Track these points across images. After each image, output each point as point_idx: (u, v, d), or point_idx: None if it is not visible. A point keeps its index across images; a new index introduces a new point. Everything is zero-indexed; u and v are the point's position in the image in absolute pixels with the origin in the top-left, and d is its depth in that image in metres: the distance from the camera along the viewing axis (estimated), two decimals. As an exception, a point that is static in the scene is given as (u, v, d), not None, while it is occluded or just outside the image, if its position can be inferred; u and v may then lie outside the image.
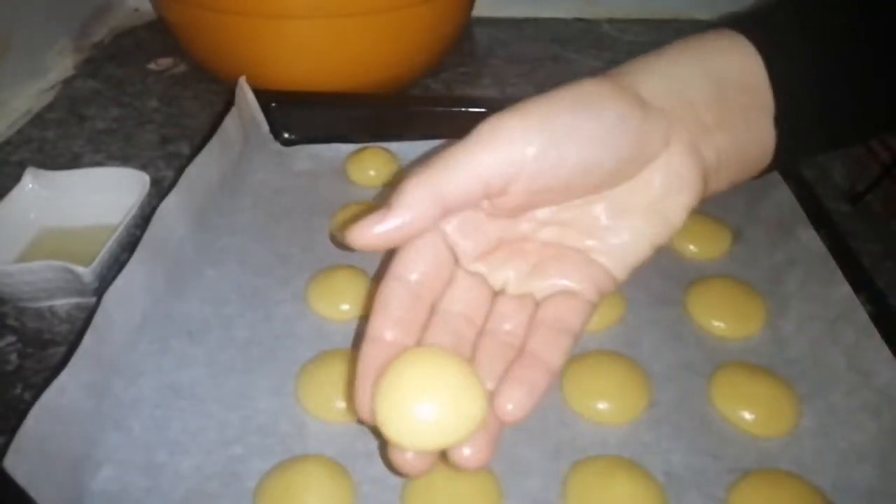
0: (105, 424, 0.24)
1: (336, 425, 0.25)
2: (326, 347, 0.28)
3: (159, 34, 0.52)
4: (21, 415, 0.21)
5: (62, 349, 0.29)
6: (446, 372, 0.18)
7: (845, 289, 0.27)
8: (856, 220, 0.35)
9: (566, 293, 0.19)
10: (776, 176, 0.33)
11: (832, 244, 0.30)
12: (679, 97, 0.18)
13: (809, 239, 0.30)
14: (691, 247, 0.33)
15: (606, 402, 0.26)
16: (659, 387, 0.27)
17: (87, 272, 0.28)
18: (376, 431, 0.18)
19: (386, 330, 0.19)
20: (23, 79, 0.45)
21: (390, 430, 0.17)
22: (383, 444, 0.18)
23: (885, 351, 0.25)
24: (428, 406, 0.17)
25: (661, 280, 0.32)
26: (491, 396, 0.18)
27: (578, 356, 0.28)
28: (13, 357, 0.28)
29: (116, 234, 0.30)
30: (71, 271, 0.28)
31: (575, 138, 0.17)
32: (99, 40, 0.52)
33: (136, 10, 0.56)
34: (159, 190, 0.35)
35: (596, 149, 0.18)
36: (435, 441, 0.17)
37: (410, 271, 0.19)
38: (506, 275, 0.20)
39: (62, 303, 0.31)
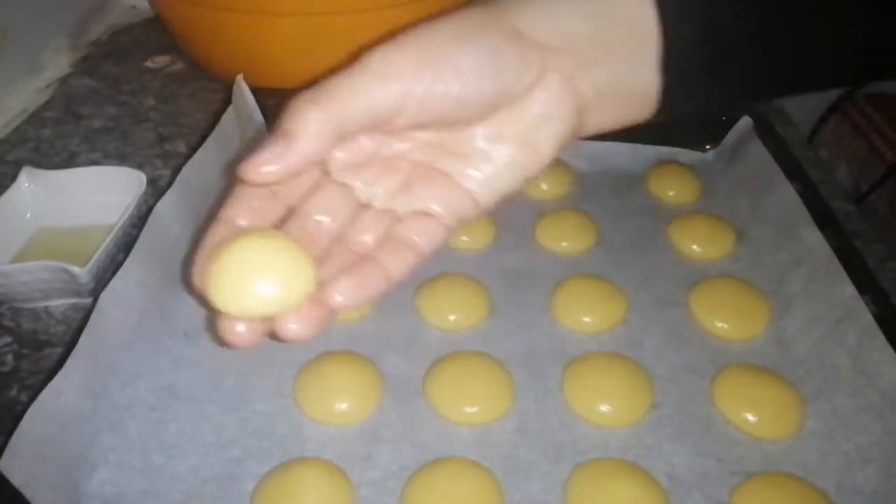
0: (101, 426, 0.24)
1: (334, 428, 0.25)
2: (325, 349, 0.27)
3: (156, 32, 0.52)
4: (17, 416, 0.21)
5: (58, 350, 0.28)
6: (276, 247, 0.18)
7: (849, 289, 0.27)
8: (860, 220, 0.35)
9: (426, 214, 0.20)
10: (780, 176, 0.33)
11: (836, 244, 0.29)
12: (557, 31, 0.18)
13: (813, 239, 0.30)
14: (695, 247, 0.33)
15: (608, 404, 0.25)
16: (662, 389, 0.27)
17: (83, 272, 0.28)
18: (210, 306, 0.18)
19: (238, 218, 0.19)
20: (19, 77, 0.44)
21: (219, 300, 0.18)
22: (214, 317, 0.18)
23: (890, 352, 0.25)
24: (255, 276, 0.17)
25: (663, 281, 0.31)
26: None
27: (580, 357, 0.28)
28: (9, 358, 0.28)
29: (113, 233, 0.29)
30: (67, 272, 0.28)
31: (457, 73, 0.18)
32: (95, 38, 0.52)
33: (133, 7, 0.55)
34: (156, 189, 0.35)
35: (475, 82, 0.18)
36: (260, 307, 0.17)
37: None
38: (374, 190, 0.20)
39: (58, 303, 0.30)
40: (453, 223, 0.20)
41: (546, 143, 0.19)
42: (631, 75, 0.19)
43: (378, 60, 0.18)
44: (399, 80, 0.17)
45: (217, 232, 0.19)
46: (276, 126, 0.18)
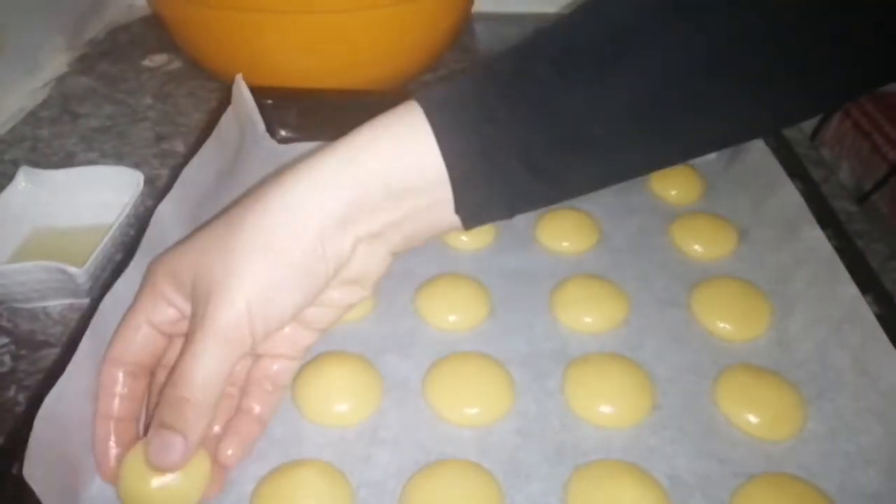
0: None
1: (333, 429, 0.25)
2: (323, 350, 0.27)
3: (154, 30, 0.52)
4: (16, 417, 0.21)
5: (55, 350, 0.28)
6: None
7: (852, 289, 0.27)
8: (863, 220, 0.35)
9: (275, 355, 0.24)
10: (782, 175, 0.33)
11: (839, 244, 0.29)
12: (360, 209, 0.21)
13: (815, 239, 0.30)
14: (696, 247, 0.33)
15: (610, 405, 0.25)
16: (663, 389, 0.26)
17: (80, 273, 0.28)
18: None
19: (112, 409, 0.22)
20: (16, 76, 0.44)
21: None
22: None
23: (892, 353, 0.25)
24: (162, 485, 0.21)
25: (665, 281, 0.31)
26: (216, 441, 0.23)
27: (581, 358, 0.27)
28: (6, 359, 0.28)
29: (110, 233, 0.29)
30: (64, 272, 0.28)
31: (285, 304, 0.21)
32: (93, 37, 0.52)
33: (131, 5, 0.55)
34: (153, 189, 0.35)
35: (301, 300, 0.21)
36: None
37: (127, 358, 0.22)
38: None
39: (55, 304, 0.30)
40: (300, 354, 0.24)
41: (368, 281, 0.23)
42: (433, 221, 0.21)
43: (218, 330, 0.20)
44: (239, 342, 0.20)
45: (102, 429, 0.22)
46: (158, 420, 0.21)
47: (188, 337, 0.21)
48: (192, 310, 0.21)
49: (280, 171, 0.21)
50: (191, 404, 0.20)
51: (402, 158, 0.20)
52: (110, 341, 0.23)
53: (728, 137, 0.23)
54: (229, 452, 0.23)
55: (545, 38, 0.20)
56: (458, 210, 0.21)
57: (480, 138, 0.20)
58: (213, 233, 0.21)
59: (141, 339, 0.22)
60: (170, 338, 0.23)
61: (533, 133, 0.20)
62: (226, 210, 0.22)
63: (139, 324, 0.22)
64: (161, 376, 0.24)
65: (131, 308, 0.23)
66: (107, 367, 0.22)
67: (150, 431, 0.21)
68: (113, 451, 0.22)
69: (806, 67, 0.19)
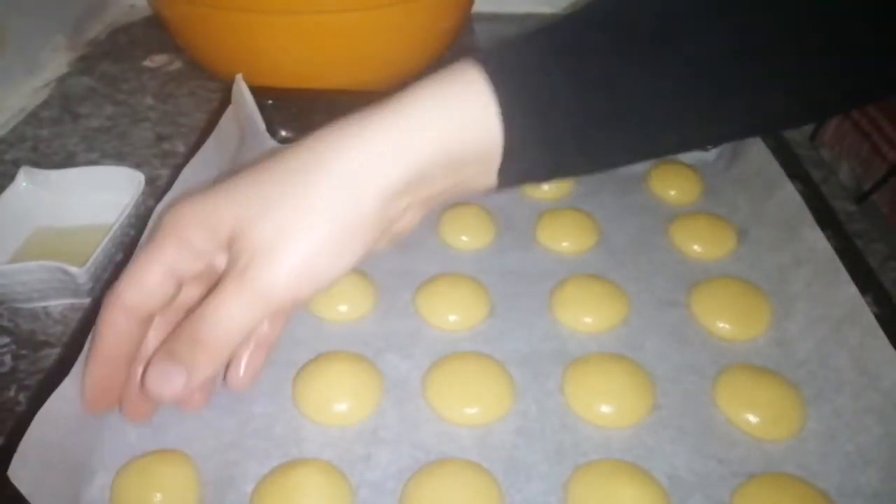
0: (101, 431, 0.24)
1: (333, 429, 0.25)
2: (324, 349, 0.27)
3: (155, 31, 0.52)
4: (16, 417, 0.21)
5: (56, 350, 0.28)
6: (168, 472, 0.23)
7: (851, 289, 0.27)
8: (862, 220, 0.35)
9: None
10: (782, 175, 0.33)
11: (838, 244, 0.29)
12: (420, 178, 0.20)
13: (815, 239, 0.30)
14: (696, 247, 0.33)
15: (609, 404, 0.25)
16: (662, 389, 0.26)
17: (81, 272, 0.28)
18: None
19: (110, 349, 0.21)
20: (17, 76, 0.44)
21: None
22: None
23: (892, 352, 0.24)
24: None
25: (665, 281, 0.31)
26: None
27: (581, 358, 0.27)
28: (7, 358, 0.28)
29: (111, 233, 0.29)
30: (65, 272, 0.28)
31: (332, 268, 0.20)
32: (94, 37, 0.52)
33: (132, 6, 0.55)
34: (154, 189, 0.35)
35: (350, 263, 0.20)
36: None
37: (138, 305, 0.21)
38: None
39: (56, 303, 0.30)
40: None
41: (399, 237, 0.23)
42: (473, 186, 0.22)
43: (256, 297, 0.19)
44: (279, 307, 0.20)
45: (95, 367, 0.22)
46: (168, 349, 0.20)
47: (221, 282, 0.20)
48: (230, 259, 0.20)
49: (334, 129, 0.21)
50: (206, 347, 0.19)
51: (464, 129, 0.20)
52: (119, 284, 0.21)
53: (767, 123, 0.23)
54: (241, 373, 0.23)
55: (600, 10, 0.20)
56: (500, 174, 0.21)
57: (539, 108, 0.20)
58: (260, 184, 0.20)
59: (157, 288, 0.21)
60: (182, 285, 0.22)
61: (588, 103, 0.20)
62: (266, 162, 0.21)
63: (158, 271, 0.21)
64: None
65: (148, 254, 0.21)
66: (113, 311, 0.21)
67: (155, 357, 0.20)
68: (105, 389, 0.22)
69: (859, 54, 0.20)
